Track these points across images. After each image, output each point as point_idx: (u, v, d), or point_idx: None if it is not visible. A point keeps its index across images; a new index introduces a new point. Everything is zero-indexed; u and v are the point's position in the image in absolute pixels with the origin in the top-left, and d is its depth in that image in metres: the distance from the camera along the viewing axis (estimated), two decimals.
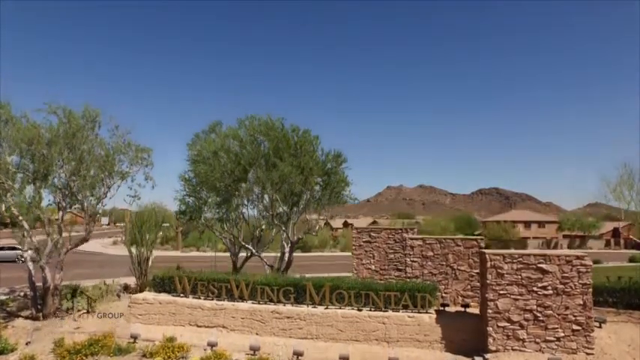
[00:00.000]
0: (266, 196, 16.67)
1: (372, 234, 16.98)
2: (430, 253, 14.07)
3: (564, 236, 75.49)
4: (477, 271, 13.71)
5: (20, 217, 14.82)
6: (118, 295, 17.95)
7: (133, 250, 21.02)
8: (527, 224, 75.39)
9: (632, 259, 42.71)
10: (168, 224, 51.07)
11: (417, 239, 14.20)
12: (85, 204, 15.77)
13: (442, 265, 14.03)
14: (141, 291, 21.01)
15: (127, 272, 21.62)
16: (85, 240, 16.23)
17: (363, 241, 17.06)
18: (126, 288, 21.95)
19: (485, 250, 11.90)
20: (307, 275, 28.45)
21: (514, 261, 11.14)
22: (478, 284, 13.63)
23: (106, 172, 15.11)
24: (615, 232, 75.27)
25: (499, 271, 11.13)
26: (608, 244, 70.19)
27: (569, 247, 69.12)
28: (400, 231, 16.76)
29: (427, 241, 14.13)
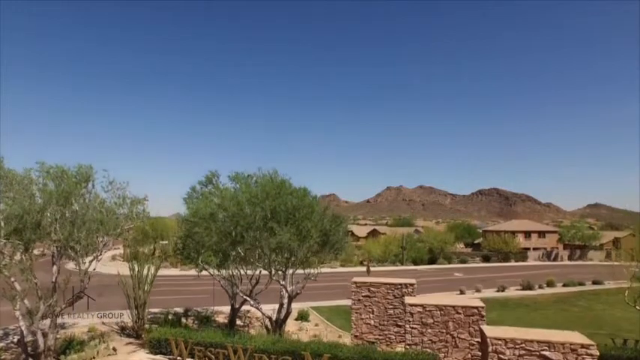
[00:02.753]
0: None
1: (372, 289, 16.71)
2: (430, 320, 13.81)
3: (565, 246, 75.35)
4: (478, 339, 13.46)
5: (12, 279, 14.55)
6: (114, 349, 17.67)
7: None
8: (527, 234, 75.28)
9: (634, 278, 42.47)
10: (166, 242, 50.93)
11: (416, 305, 13.94)
12: (80, 262, 15.47)
13: (442, 332, 13.77)
14: (137, 335, 20.82)
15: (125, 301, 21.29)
16: (79, 297, 15.94)
17: (362, 296, 16.80)
18: (123, 329, 21.72)
19: (486, 330, 11.63)
20: (307, 304, 28.35)
21: (516, 347, 10.87)
22: (479, 353, 13.38)
23: (101, 233, 14.84)
24: (616, 242, 75.02)
25: (501, 356, 10.87)
26: (608, 256, 69.93)
27: (570, 258, 68.98)
28: (400, 286, 16.49)
29: (427, 308, 13.87)
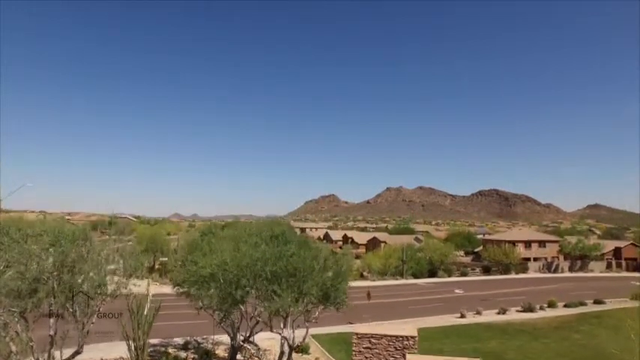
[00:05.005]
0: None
1: (373, 340, 16.55)
2: None
3: (566, 256, 75.00)
4: None
5: (7, 338, 14.38)
6: None
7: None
8: (527, 244, 74.88)
9: (635, 297, 42.04)
10: (166, 258, 50.74)
11: None
12: (78, 316, 15.32)
13: None
14: None
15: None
16: (77, 353, 15.77)
17: (363, 347, 16.64)
18: None
19: None
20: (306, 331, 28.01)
21: None
22: None
23: (99, 298, 14.72)
24: (617, 252, 74.79)
25: None
26: (609, 266, 69.79)
27: (570, 269, 68.79)
28: (401, 339, 16.34)
29: None
